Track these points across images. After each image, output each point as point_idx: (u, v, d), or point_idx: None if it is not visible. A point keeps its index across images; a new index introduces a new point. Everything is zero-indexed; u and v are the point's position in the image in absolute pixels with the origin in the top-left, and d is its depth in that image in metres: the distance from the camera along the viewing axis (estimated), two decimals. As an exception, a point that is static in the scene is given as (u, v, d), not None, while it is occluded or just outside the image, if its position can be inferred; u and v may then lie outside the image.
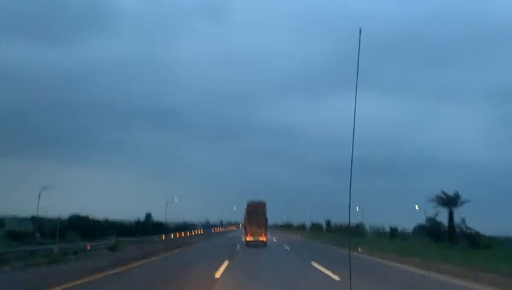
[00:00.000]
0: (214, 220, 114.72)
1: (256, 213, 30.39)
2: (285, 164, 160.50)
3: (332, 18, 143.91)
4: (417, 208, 45.47)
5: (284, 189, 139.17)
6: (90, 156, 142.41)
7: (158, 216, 79.13)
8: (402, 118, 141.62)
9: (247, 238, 30.33)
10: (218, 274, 13.47)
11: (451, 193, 37.37)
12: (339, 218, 75.00)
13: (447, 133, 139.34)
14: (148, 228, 62.67)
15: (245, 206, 31.33)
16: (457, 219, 35.03)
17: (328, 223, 79.44)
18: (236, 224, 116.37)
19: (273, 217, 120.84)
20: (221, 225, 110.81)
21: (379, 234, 53.36)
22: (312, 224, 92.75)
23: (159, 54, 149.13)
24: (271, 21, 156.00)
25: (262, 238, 30.15)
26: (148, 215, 64.27)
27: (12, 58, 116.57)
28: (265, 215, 30.95)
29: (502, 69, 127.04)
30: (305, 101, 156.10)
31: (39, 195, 40.75)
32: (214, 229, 64.26)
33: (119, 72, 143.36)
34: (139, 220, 62.48)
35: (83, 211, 52.94)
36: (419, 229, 66.42)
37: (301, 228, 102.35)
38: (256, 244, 30.05)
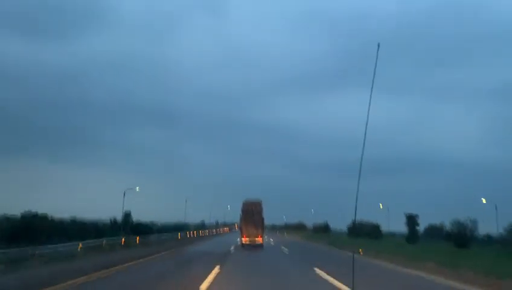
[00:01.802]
0: (210, 220, 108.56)
1: (252, 213, 28.92)
2: (286, 163, 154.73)
3: (332, 16, 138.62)
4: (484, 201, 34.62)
5: (290, 189, 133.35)
6: (84, 155, 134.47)
7: (151, 217, 72.23)
8: (403, 117, 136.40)
9: (243, 240, 28.73)
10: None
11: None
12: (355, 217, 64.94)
13: (447, 132, 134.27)
14: (126, 228, 53.77)
15: (241, 205, 30.00)
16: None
17: (411, 221, 41.61)
18: (232, 225, 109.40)
19: (280, 218, 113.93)
20: (217, 225, 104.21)
21: None
22: (353, 224, 52.22)
23: (156, 50, 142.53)
24: (269, 18, 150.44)
25: (259, 240, 28.78)
26: (127, 215, 54.98)
27: (4, 55, 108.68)
28: (262, 215, 29.20)
29: (505, 68, 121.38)
30: (305, 99, 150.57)
31: None
32: (189, 233, 51.18)
33: (112, 69, 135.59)
34: (115, 220, 53.17)
35: (67, 212, 44.78)
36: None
37: (320, 229, 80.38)
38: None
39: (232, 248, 28.49)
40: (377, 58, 5.46)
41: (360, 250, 23.52)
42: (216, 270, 14.78)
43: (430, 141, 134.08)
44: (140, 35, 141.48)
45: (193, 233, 56.14)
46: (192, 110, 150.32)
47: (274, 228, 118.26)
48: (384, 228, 59.82)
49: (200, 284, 11.38)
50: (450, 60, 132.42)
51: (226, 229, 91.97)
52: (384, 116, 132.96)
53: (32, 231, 36.62)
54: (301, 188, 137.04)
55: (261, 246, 28.77)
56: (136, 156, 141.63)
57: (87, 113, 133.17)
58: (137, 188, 40.88)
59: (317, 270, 15.00)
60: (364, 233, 43.30)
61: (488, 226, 49.09)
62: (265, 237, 49.84)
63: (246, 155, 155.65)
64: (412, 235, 41.96)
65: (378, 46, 5.44)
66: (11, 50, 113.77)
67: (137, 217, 69.56)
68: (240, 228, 30.12)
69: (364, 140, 5.67)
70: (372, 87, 5.66)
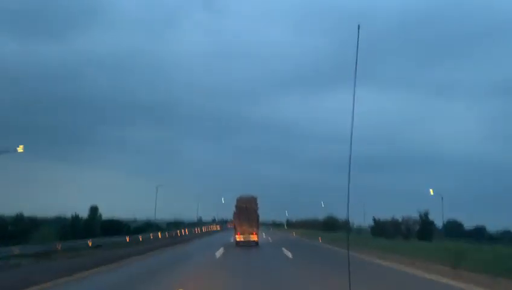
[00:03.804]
0: (207, 218, 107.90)
1: (246, 209, 27.98)
2: (286, 160, 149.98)
3: (331, 12, 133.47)
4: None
5: (292, 186, 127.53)
6: (82, 155, 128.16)
7: (145, 215, 65.50)
8: (401, 113, 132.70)
9: (237, 238, 27.81)
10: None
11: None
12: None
13: (447, 128, 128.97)
14: (93, 226, 43.82)
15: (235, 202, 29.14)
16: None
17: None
18: (225, 223, 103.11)
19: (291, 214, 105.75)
20: (214, 222, 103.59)
21: None
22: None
23: (155, 48, 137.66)
24: (269, 15, 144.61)
25: (254, 238, 27.75)
26: (94, 210, 44.90)
27: (1, 52, 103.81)
28: (256, 212, 28.34)
29: (505, 64, 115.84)
30: (304, 96, 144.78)
31: None
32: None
33: (109, 66, 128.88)
34: (77, 216, 43.08)
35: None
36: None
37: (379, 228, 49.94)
38: None
39: None
40: (358, 41, 4.81)
41: None
42: None
43: (433, 137, 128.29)
44: (139, 32, 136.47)
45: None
46: (190, 108, 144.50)
47: (279, 225, 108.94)
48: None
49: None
50: (452, 54, 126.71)
51: (216, 227, 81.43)
52: (383, 112, 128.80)
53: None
54: (306, 185, 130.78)
55: (256, 244, 27.64)
56: (133, 154, 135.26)
57: (80, 110, 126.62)
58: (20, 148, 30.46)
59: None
60: None
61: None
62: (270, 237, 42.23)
63: (246, 153, 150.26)
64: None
65: (359, 27, 4.82)
66: (6, 47, 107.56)
67: (135, 214, 61.60)
68: (234, 225, 28.97)
69: (351, 133, 4.87)
70: (355, 74, 4.96)
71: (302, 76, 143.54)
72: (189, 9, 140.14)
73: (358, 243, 26.60)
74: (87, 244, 21.70)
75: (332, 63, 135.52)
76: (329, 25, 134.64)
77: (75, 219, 42.10)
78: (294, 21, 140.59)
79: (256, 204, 28.45)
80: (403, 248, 22.02)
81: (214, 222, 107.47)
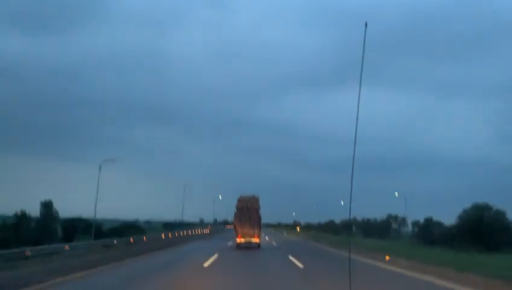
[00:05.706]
0: (209, 218, 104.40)
1: (247, 209, 26.84)
2: (288, 160, 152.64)
3: (338, 10, 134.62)
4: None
5: (298, 187, 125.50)
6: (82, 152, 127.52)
7: (146, 216, 58.52)
8: (407, 113, 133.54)
9: (238, 240, 26.71)
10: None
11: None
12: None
13: (452, 128, 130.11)
14: (47, 227, 34.61)
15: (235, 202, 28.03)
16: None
17: None
18: (223, 224, 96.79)
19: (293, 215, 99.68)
20: (215, 223, 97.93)
21: None
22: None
23: (156, 46, 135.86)
24: (273, 13, 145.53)
25: (255, 240, 26.64)
26: (47, 206, 35.53)
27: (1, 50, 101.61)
28: (258, 212, 27.14)
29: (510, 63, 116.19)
30: (308, 96, 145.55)
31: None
32: None
33: (108, 65, 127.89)
34: (24, 214, 33.65)
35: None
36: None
37: None
38: None
39: None
40: (365, 39, 4.90)
41: None
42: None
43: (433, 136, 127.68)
44: (140, 31, 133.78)
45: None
46: (190, 107, 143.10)
47: (291, 228, 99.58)
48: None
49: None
50: (456, 54, 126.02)
51: (206, 230, 63.77)
52: (388, 111, 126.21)
53: None
54: (313, 187, 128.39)
55: (257, 247, 26.78)
56: (132, 154, 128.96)
57: (80, 109, 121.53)
58: None
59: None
60: None
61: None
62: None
63: (248, 153, 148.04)
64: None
65: (366, 25, 4.92)
66: (7, 44, 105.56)
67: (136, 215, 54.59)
68: (234, 227, 28.00)
69: (356, 132, 5.05)
70: (361, 72, 5.02)
71: (307, 76, 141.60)
72: (191, 7, 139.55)
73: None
74: None
75: (338, 63, 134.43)
76: (334, 24, 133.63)
77: (21, 217, 32.70)
78: (299, 20, 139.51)
79: (258, 204, 27.39)
80: None
81: (215, 223, 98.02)
